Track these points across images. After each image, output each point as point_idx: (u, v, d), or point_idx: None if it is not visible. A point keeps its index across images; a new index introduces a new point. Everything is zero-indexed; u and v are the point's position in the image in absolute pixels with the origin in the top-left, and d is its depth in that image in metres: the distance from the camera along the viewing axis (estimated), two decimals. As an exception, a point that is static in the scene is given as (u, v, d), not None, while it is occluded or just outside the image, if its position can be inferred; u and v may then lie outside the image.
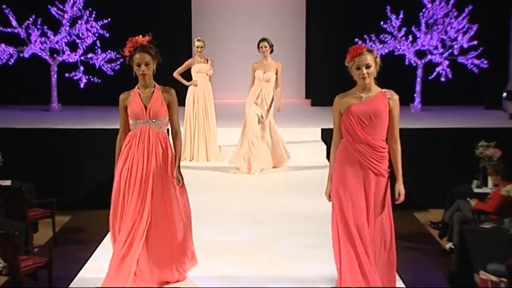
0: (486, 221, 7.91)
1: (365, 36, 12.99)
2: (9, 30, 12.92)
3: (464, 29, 13.10)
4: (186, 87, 10.41)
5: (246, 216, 7.54)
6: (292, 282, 5.57)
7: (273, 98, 9.63)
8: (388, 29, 13.24)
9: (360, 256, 4.84)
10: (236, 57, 15.08)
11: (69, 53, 13.19)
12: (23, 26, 12.93)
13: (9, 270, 6.51)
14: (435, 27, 13.23)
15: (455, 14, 13.09)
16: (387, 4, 13.17)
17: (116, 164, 5.27)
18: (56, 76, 13.32)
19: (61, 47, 13.20)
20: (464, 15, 13.06)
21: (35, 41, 13.03)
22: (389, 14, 13.16)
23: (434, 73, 13.26)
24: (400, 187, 5.01)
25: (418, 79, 13.48)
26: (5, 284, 7.29)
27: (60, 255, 8.11)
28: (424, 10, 13.23)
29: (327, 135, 10.58)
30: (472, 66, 13.17)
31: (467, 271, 7.43)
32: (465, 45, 13.12)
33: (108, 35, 13.10)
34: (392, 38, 13.24)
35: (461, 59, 13.17)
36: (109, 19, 13.13)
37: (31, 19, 12.89)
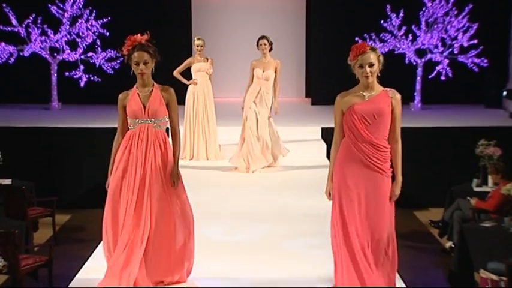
0: (486, 220, 7.91)
1: (365, 35, 12.96)
2: (9, 29, 12.91)
3: (465, 28, 13.10)
4: (186, 86, 10.40)
5: (246, 215, 7.52)
6: (292, 282, 5.55)
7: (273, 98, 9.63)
8: (388, 27, 13.23)
9: (358, 256, 4.81)
10: (236, 56, 15.05)
11: (69, 51, 13.18)
12: (23, 25, 12.92)
13: (10, 269, 6.52)
14: (435, 26, 13.22)
15: (456, 12, 13.09)
16: (387, 3, 13.16)
17: (112, 164, 5.20)
18: (56, 75, 13.31)
19: (61, 46, 13.20)
20: (464, 13, 13.06)
21: (35, 40, 13.02)
22: (389, 13, 13.15)
23: (435, 72, 13.25)
24: (395, 188, 4.91)
25: (418, 78, 13.47)
26: (5, 283, 7.30)
27: (60, 254, 8.10)
28: (424, 9, 13.22)
29: (327, 134, 10.58)
30: (472, 65, 13.16)
31: (467, 270, 7.43)
32: (465, 44, 13.12)
33: (108, 33, 13.09)
34: (393, 37, 13.23)
35: (461, 58, 13.16)
36: (109, 18, 13.12)
37: (31, 18, 12.89)
